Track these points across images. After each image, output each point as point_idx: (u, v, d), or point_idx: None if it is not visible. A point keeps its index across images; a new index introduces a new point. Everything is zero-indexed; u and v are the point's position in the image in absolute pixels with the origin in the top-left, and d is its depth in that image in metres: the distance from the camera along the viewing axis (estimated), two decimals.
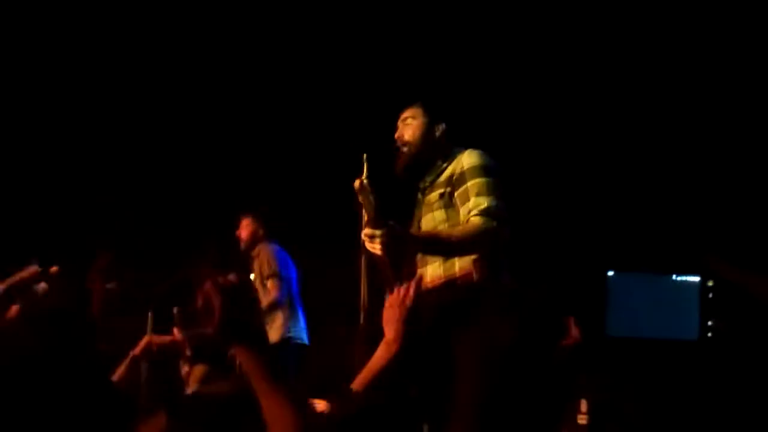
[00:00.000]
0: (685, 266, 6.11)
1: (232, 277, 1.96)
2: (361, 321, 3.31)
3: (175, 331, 4.36)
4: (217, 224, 5.83)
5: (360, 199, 3.23)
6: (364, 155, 3.37)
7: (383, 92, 5.60)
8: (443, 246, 3.17)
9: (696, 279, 6.14)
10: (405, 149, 3.42)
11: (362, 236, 3.09)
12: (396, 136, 3.46)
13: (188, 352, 3.50)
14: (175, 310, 4.42)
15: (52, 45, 5.96)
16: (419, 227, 3.40)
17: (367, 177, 3.30)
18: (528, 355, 3.18)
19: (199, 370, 3.58)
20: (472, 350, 3.09)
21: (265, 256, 5.29)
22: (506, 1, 5.87)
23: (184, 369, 3.63)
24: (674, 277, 6.24)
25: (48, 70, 6.09)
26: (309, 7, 5.94)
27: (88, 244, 5.36)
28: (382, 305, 3.09)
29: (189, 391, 3.54)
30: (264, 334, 1.89)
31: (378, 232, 2.97)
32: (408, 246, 3.17)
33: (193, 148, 6.37)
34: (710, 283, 5.94)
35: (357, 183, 3.23)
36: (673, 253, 6.05)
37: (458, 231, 3.14)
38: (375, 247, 3.00)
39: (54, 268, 2.36)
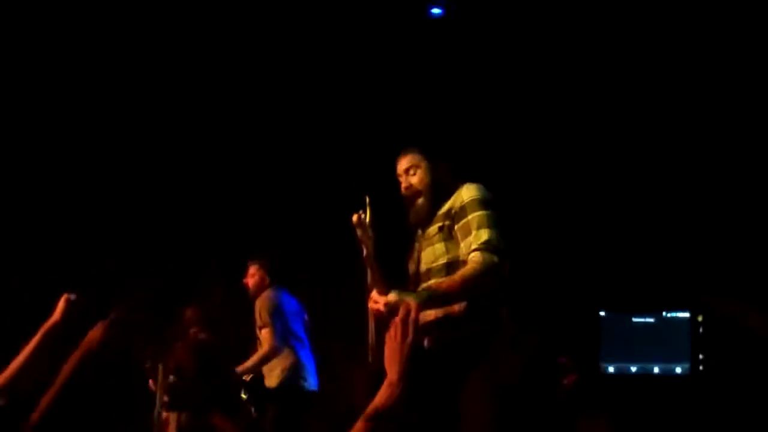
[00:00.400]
0: (674, 303, 6.18)
1: (202, 336, 2.11)
2: (369, 360, 3.36)
3: (150, 383, 4.44)
4: (226, 266, 5.88)
5: (358, 233, 3.31)
6: (367, 198, 3.46)
7: (381, 131, 5.72)
8: (449, 297, 3.20)
9: (686, 315, 6.22)
10: (421, 199, 3.46)
11: (369, 302, 3.20)
12: (404, 187, 3.50)
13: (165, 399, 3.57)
14: (147, 364, 4.52)
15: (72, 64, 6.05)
16: (419, 261, 3.45)
17: (371, 218, 3.40)
18: (531, 393, 3.24)
19: (174, 417, 3.64)
20: (476, 390, 3.13)
21: (259, 306, 5.31)
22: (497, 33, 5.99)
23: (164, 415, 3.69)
24: (664, 313, 6.32)
25: (84, 95, 6.19)
26: (297, 49, 6.08)
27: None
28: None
29: None
30: (237, 397, 1.99)
31: (381, 301, 3.11)
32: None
33: (201, 186, 6.43)
34: (700, 318, 6.01)
35: (354, 218, 3.30)
36: (662, 291, 6.14)
37: (460, 277, 3.18)
38: (379, 309, 3.13)
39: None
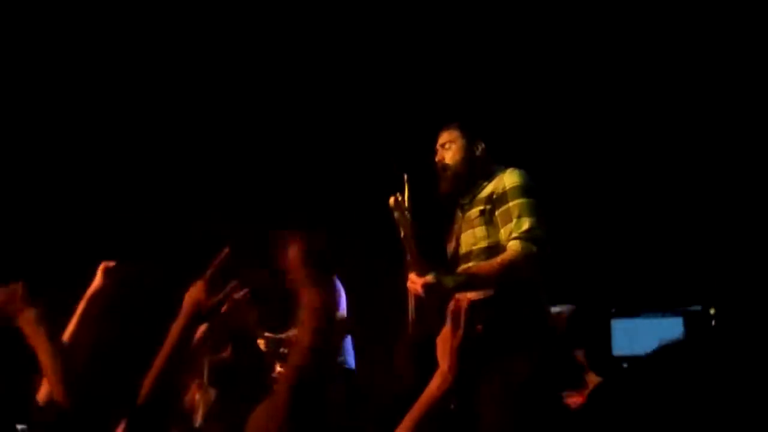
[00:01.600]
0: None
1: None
2: (409, 335, 3.38)
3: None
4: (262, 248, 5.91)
5: (395, 216, 3.33)
6: (405, 176, 3.50)
7: (421, 111, 5.70)
8: (486, 281, 3.23)
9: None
10: (448, 173, 3.50)
11: (407, 282, 3.21)
12: (437, 160, 3.53)
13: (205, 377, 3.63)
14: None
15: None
16: (458, 243, 3.47)
17: (409, 197, 3.43)
18: (545, 392, 3.23)
19: (209, 396, 3.69)
20: (492, 384, 3.13)
21: None
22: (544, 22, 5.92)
23: (195, 395, 3.74)
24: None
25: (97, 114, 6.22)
26: (345, 29, 6.05)
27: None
28: (428, 321, 3.21)
29: (198, 417, 3.63)
30: None
31: (419, 282, 3.12)
32: (451, 291, 3.19)
33: (235, 164, 6.48)
34: (712, 311, 5.88)
35: (392, 200, 3.32)
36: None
37: (498, 262, 3.21)
38: (417, 290, 3.15)
39: None
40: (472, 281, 3.24)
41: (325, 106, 6.34)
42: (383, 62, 6.16)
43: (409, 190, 3.46)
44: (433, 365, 2.04)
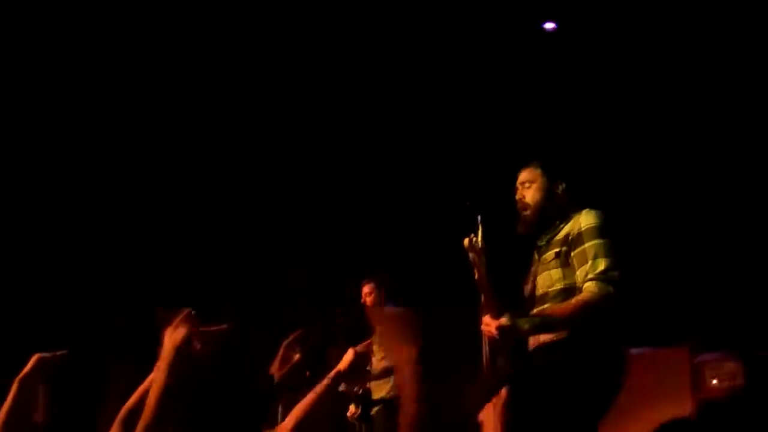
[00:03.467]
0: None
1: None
2: (483, 380, 3.36)
3: None
4: (337, 290, 5.98)
5: (470, 257, 3.30)
6: (479, 216, 3.47)
7: (496, 151, 5.68)
8: (562, 322, 3.19)
9: None
10: (527, 212, 3.47)
11: (482, 325, 3.19)
12: (517, 198, 3.51)
13: None
14: None
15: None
16: (534, 285, 3.43)
17: (483, 237, 3.40)
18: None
19: None
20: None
21: None
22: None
23: None
24: None
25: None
26: (425, 70, 6.10)
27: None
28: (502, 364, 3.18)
29: None
30: None
31: (493, 325, 3.09)
32: (525, 335, 3.23)
33: (311, 202, 6.55)
34: None
35: (466, 241, 3.30)
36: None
37: (574, 303, 3.17)
38: (491, 333, 3.12)
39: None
40: (547, 323, 3.21)
41: (401, 146, 6.38)
42: (460, 101, 6.18)
43: (483, 230, 3.43)
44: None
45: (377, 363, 5.34)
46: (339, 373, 2.70)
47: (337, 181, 6.57)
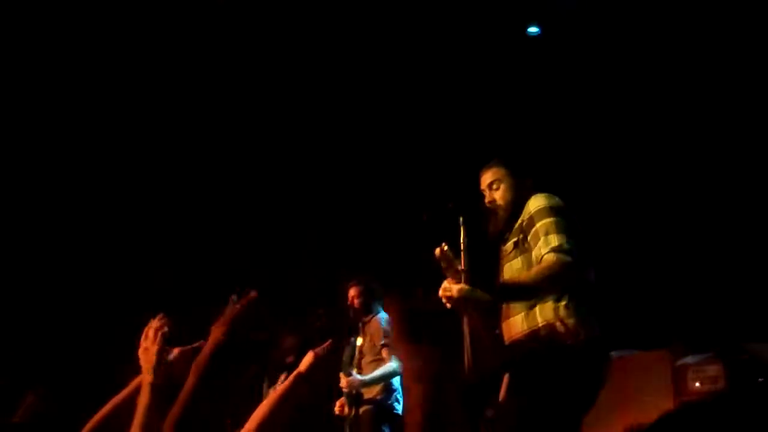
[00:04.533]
0: None
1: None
2: (465, 376, 3.35)
3: None
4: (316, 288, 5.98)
5: (443, 266, 3.27)
6: (461, 218, 3.44)
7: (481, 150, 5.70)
8: (522, 292, 3.22)
9: None
10: (501, 213, 3.47)
11: (440, 290, 3.20)
12: (487, 202, 3.51)
13: None
14: None
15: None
16: (502, 277, 3.42)
17: (465, 238, 3.39)
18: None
19: None
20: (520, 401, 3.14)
21: (376, 327, 5.44)
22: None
23: None
24: None
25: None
26: (386, 71, 6.11)
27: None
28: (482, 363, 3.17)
29: None
30: None
31: (451, 289, 3.12)
32: (485, 304, 3.22)
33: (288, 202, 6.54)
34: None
35: (437, 251, 3.26)
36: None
37: (533, 272, 3.18)
38: (451, 294, 3.13)
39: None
40: (508, 291, 3.24)
41: (382, 147, 6.38)
42: (441, 103, 6.20)
43: (465, 231, 3.41)
44: (485, 406, 2.03)
45: (366, 365, 5.35)
46: (299, 374, 2.69)
47: (319, 183, 6.55)
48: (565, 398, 3.06)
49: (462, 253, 3.35)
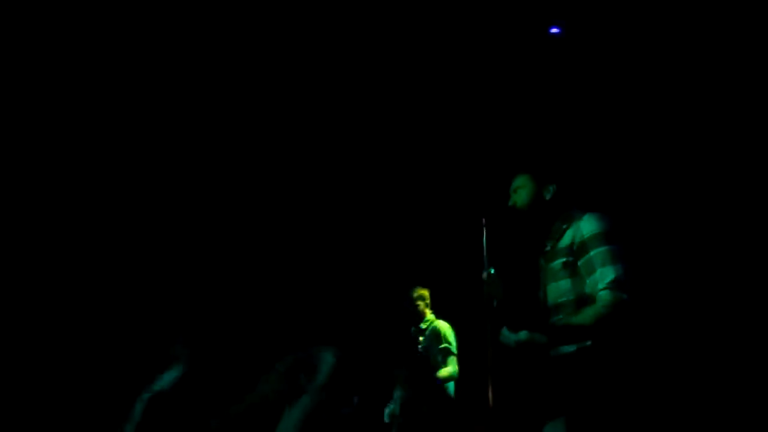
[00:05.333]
0: None
1: None
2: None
3: None
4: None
5: (487, 289, 3.38)
6: (483, 220, 3.52)
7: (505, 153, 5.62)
8: (579, 336, 3.19)
9: None
10: (522, 217, 3.52)
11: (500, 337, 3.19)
12: (509, 204, 3.56)
13: None
14: None
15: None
16: (546, 294, 3.42)
17: (487, 241, 3.44)
18: None
19: None
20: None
21: (446, 331, 5.69)
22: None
23: None
24: None
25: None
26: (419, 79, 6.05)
27: None
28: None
29: None
30: None
31: (513, 341, 3.11)
32: (542, 349, 3.21)
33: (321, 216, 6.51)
34: None
35: (485, 275, 3.36)
36: None
37: (588, 315, 3.16)
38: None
39: None
40: (564, 335, 3.22)
41: (416, 160, 6.33)
42: (463, 106, 6.13)
43: (487, 234, 3.50)
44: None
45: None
46: (322, 385, 2.62)
47: (356, 194, 6.52)
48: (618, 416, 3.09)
49: (484, 257, 3.42)
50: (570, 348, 3.22)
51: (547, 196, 3.46)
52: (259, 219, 6.47)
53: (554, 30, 6.06)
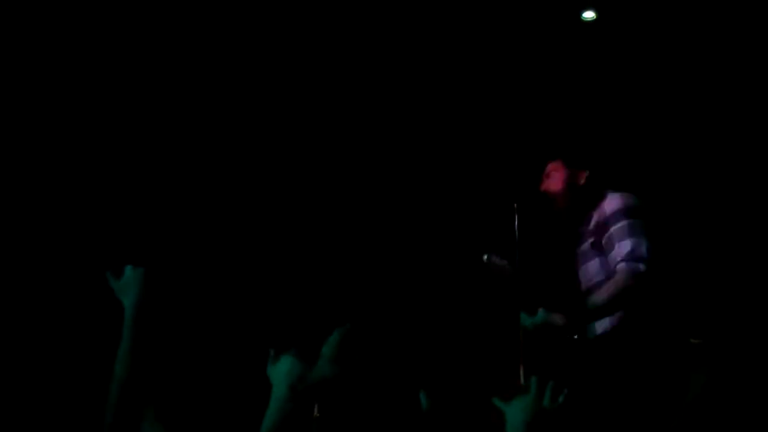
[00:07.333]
0: None
1: None
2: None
3: None
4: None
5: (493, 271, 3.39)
6: (515, 204, 3.49)
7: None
8: (599, 314, 3.21)
9: None
10: (554, 203, 3.55)
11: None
12: (542, 189, 3.57)
13: None
14: None
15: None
16: (579, 278, 3.47)
17: (518, 226, 3.45)
18: None
19: None
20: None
21: None
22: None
23: None
24: None
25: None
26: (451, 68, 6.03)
27: None
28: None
29: None
30: None
31: (530, 324, 3.15)
32: (564, 331, 3.24)
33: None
34: None
35: (485, 258, 3.39)
36: None
37: (605, 291, 3.17)
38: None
39: None
40: (585, 317, 3.24)
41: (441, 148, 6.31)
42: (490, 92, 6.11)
43: (519, 219, 3.49)
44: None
45: None
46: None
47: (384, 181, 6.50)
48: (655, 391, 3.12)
49: (516, 245, 3.43)
50: (596, 330, 3.26)
51: (580, 182, 3.47)
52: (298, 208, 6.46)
53: (587, 14, 6.03)
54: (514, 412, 1.94)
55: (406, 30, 5.88)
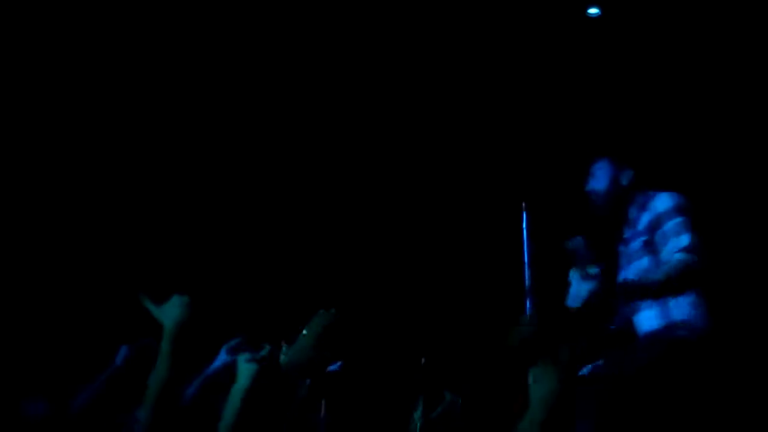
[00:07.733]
0: None
1: None
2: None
3: None
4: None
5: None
6: (523, 203, 3.53)
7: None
8: (648, 291, 3.24)
9: None
10: (596, 202, 3.58)
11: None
12: (587, 189, 3.61)
13: None
14: None
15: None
16: (626, 277, 3.45)
17: (528, 225, 3.47)
18: None
19: None
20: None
21: None
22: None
23: None
24: None
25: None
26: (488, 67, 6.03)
27: None
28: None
29: None
30: None
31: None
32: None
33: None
34: None
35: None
36: None
37: (662, 272, 3.22)
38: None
39: None
40: (633, 290, 3.27)
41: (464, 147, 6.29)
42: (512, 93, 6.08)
43: (527, 218, 3.51)
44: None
45: None
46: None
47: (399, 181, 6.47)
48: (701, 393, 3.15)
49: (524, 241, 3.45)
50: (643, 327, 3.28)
51: (625, 182, 3.52)
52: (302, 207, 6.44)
53: (592, 10, 5.99)
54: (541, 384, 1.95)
55: (414, 29, 5.86)
